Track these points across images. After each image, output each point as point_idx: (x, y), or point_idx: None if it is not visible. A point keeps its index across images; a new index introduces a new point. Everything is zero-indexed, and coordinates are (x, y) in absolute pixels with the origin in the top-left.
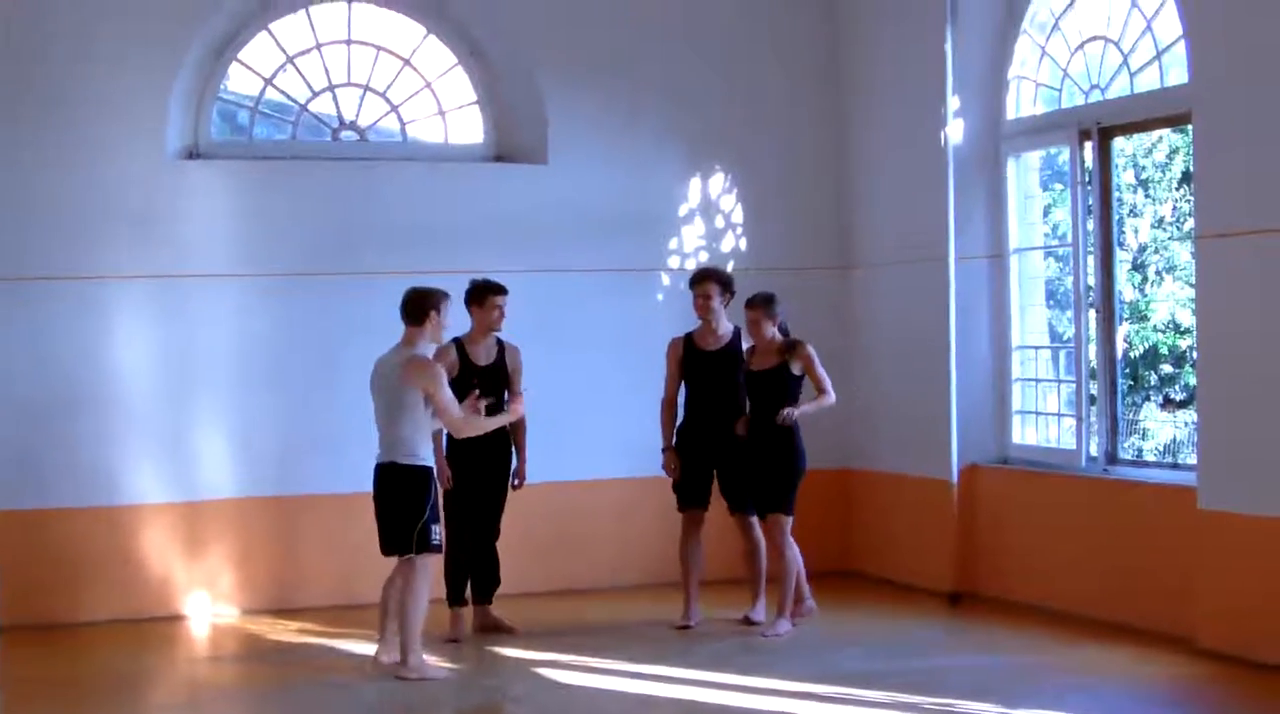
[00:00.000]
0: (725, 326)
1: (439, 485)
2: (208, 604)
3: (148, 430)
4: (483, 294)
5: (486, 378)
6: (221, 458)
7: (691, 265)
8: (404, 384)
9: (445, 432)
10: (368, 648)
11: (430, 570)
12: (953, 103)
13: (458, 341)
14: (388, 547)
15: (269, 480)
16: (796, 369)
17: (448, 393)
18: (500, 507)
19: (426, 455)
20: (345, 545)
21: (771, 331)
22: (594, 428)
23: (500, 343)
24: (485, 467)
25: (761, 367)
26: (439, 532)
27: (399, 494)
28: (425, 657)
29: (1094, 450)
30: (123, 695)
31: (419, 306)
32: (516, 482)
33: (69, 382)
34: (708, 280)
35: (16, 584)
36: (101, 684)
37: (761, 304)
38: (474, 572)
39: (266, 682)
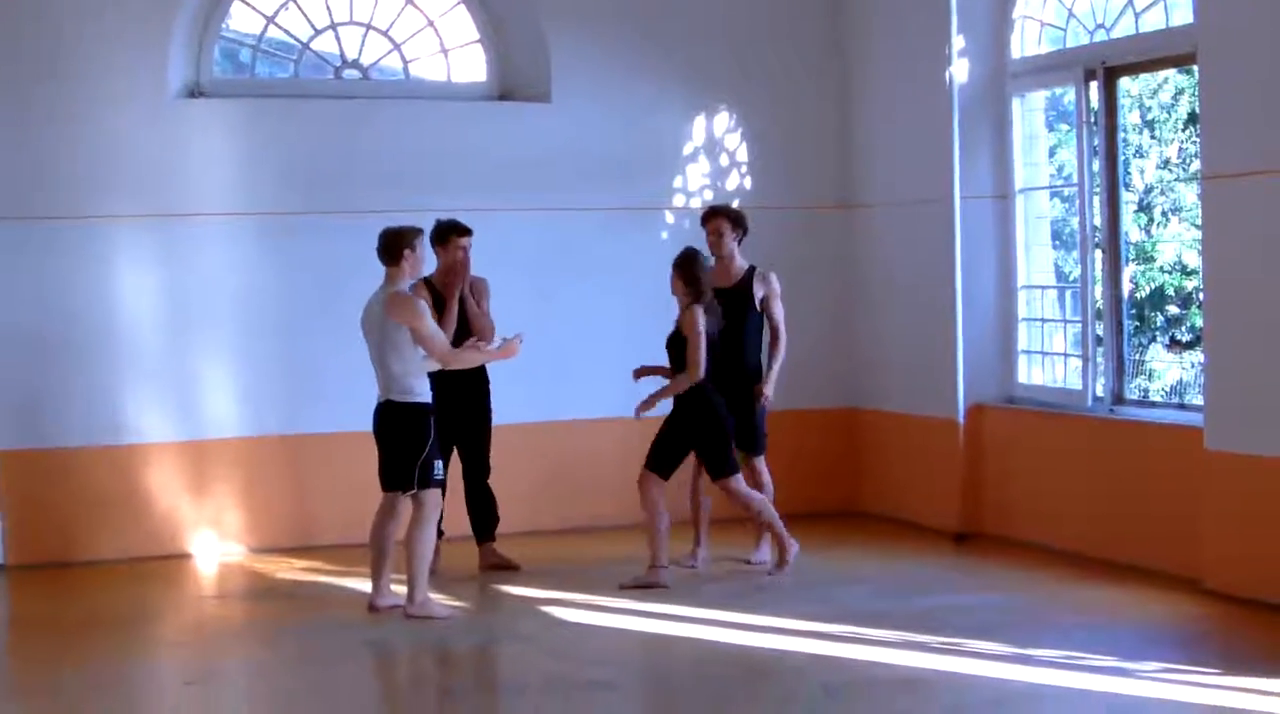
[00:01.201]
0: (739, 264)
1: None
2: (214, 543)
3: (153, 369)
4: (445, 234)
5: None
6: (227, 396)
7: (696, 204)
8: (388, 322)
9: None
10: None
11: (435, 506)
12: (957, 42)
13: (427, 280)
14: (388, 482)
15: (274, 419)
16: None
17: (430, 325)
18: (485, 442)
19: (422, 392)
20: (352, 484)
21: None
22: (597, 366)
23: (472, 281)
24: (462, 403)
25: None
26: (440, 467)
27: (397, 432)
28: (431, 594)
29: (1100, 391)
30: (129, 633)
31: (394, 245)
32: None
33: (73, 322)
34: (718, 216)
35: (23, 523)
36: (108, 622)
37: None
38: (471, 510)
39: (272, 620)
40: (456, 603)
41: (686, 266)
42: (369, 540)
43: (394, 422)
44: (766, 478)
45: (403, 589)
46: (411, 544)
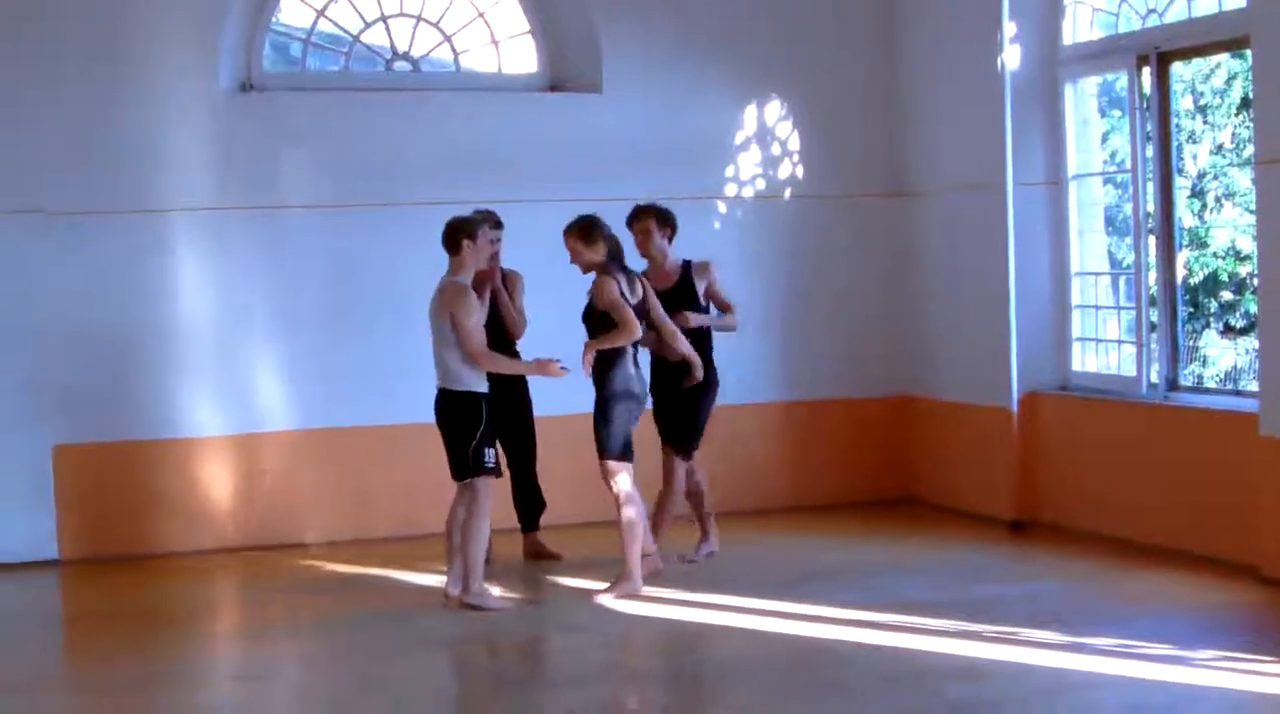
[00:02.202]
0: (673, 261)
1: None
2: (270, 536)
3: (208, 363)
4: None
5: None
6: (282, 389)
7: (749, 194)
8: (440, 311)
9: None
10: (431, 579)
11: (489, 494)
12: (1009, 28)
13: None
14: (455, 472)
15: (330, 412)
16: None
17: (471, 321)
18: (528, 432)
19: (474, 381)
20: (410, 477)
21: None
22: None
23: (502, 271)
24: (502, 393)
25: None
26: (492, 454)
27: (451, 420)
28: (488, 585)
29: (1154, 377)
30: (184, 627)
31: (453, 235)
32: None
33: (127, 315)
34: (645, 215)
35: (79, 518)
36: (163, 616)
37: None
38: (516, 500)
39: (328, 613)
40: (509, 594)
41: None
42: (445, 530)
43: (449, 410)
44: (679, 477)
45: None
46: (466, 532)
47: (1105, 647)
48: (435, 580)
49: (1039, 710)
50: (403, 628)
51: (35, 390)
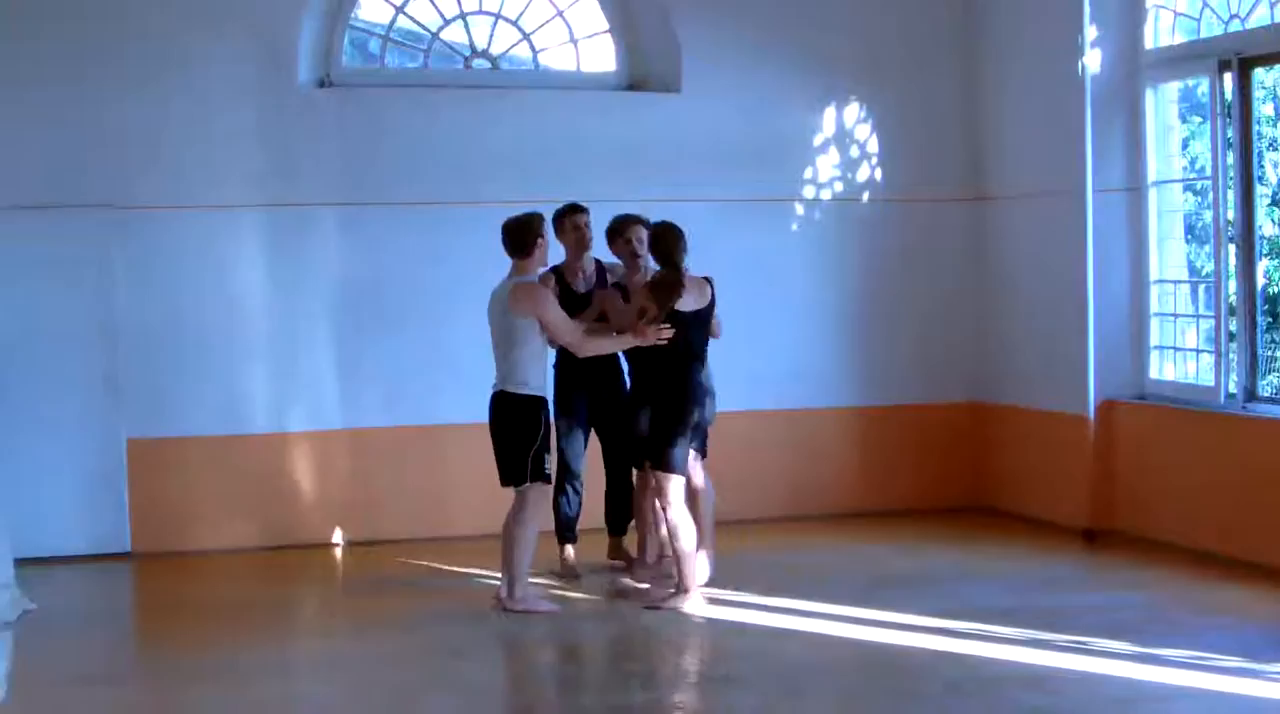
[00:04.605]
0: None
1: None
2: (343, 532)
3: (278, 358)
4: (559, 218)
5: (586, 304)
6: (353, 386)
7: (827, 196)
8: (512, 313)
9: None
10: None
11: (543, 501)
12: (1090, 32)
13: (556, 270)
14: (505, 477)
15: (402, 410)
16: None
17: (557, 313)
18: (623, 431)
19: (538, 385)
20: (483, 476)
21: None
22: (720, 359)
23: (599, 264)
24: (598, 390)
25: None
26: (550, 461)
27: (510, 423)
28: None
29: (1233, 387)
30: (256, 622)
31: (524, 235)
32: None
33: (203, 311)
34: (636, 223)
35: (150, 511)
36: (235, 611)
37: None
38: (609, 502)
39: (387, 612)
40: (581, 595)
41: (660, 242)
42: (502, 534)
43: (507, 413)
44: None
45: (535, 582)
46: (513, 538)
47: (1177, 658)
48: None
49: None
50: (465, 629)
51: (109, 384)
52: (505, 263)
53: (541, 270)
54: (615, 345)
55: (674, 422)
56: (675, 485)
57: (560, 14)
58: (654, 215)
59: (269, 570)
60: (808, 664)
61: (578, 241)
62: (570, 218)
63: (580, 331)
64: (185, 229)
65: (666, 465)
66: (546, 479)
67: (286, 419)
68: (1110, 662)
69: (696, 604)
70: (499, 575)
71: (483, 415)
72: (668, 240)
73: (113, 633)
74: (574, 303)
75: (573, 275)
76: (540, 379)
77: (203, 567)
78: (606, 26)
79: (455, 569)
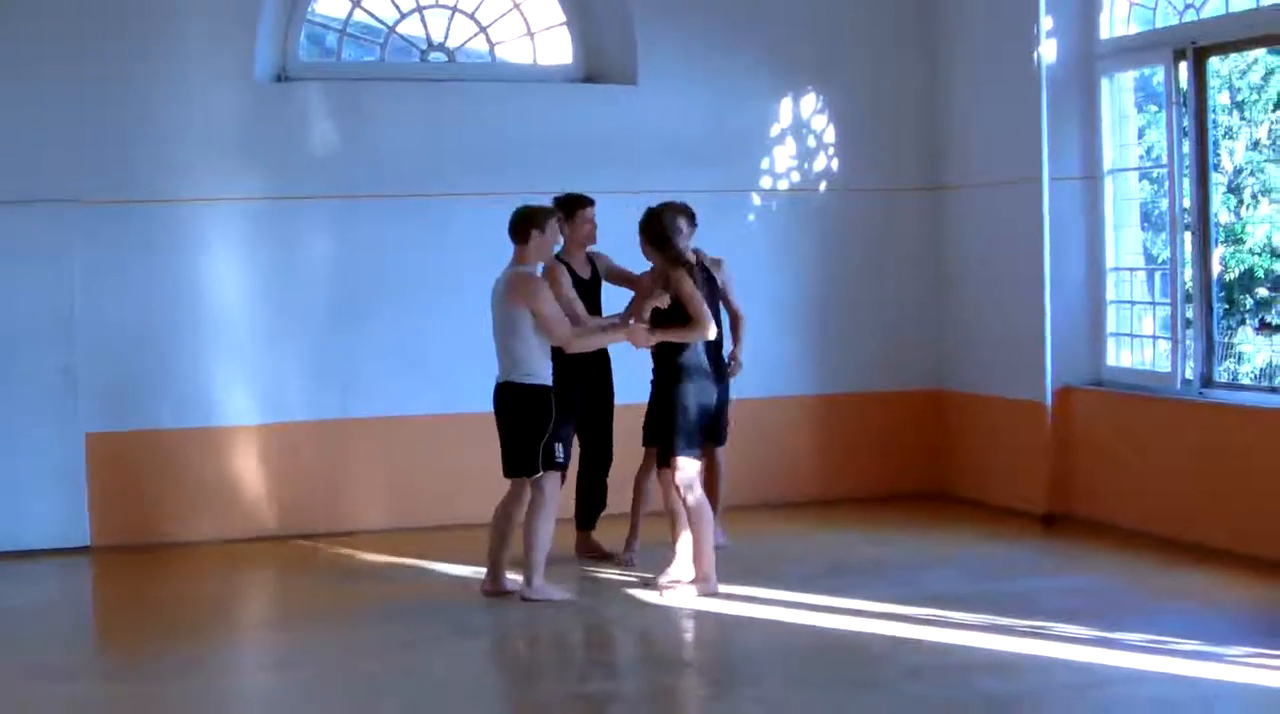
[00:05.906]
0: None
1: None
2: (304, 525)
3: (242, 352)
4: (571, 208)
5: (589, 292)
6: (315, 379)
7: (784, 187)
8: (509, 303)
9: None
10: (466, 570)
11: (557, 488)
12: (1045, 22)
13: (559, 257)
14: (510, 468)
15: (364, 402)
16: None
17: (552, 307)
18: (608, 428)
19: (544, 374)
20: (448, 467)
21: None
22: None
23: (590, 257)
24: (586, 385)
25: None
26: (561, 450)
27: (519, 414)
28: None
29: (1189, 373)
30: (217, 616)
31: (522, 225)
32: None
33: (161, 305)
34: (591, 204)
35: (111, 505)
36: (196, 605)
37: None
38: (580, 495)
39: (359, 603)
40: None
41: (649, 227)
42: (491, 523)
43: (514, 403)
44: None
45: (517, 575)
46: (531, 530)
47: (1136, 642)
48: (470, 571)
49: (1069, 704)
50: (441, 618)
51: (68, 378)
52: (461, 252)
53: (539, 264)
54: (602, 342)
55: (668, 407)
56: (682, 471)
57: (517, 7)
58: (610, 208)
59: (229, 564)
60: (764, 650)
61: (588, 234)
62: (582, 211)
63: (569, 327)
64: (143, 223)
65: (670, 452)
66: (559, 468)
67: (245, 412)
68: (1069, 646)
69: (702, 591)
70: (481, 566)
71: (446, 406)
72: (654, 227)
73: (72, 627)
74: (579, 290)
75: (575, 264)
76: (546, 368)
77: (163, 560)
78: (563, 19)
79: (416, 561)
